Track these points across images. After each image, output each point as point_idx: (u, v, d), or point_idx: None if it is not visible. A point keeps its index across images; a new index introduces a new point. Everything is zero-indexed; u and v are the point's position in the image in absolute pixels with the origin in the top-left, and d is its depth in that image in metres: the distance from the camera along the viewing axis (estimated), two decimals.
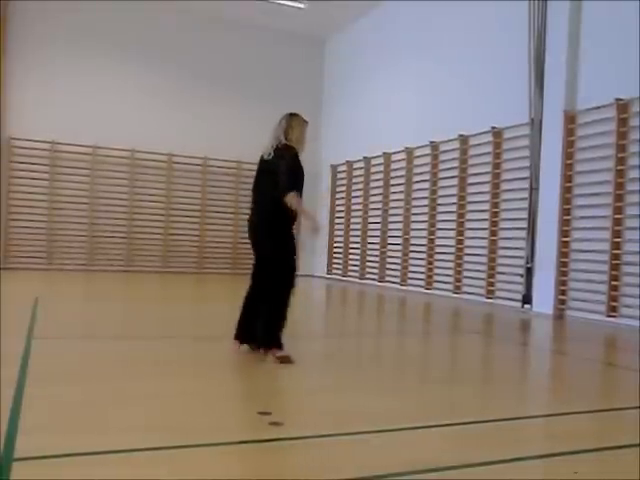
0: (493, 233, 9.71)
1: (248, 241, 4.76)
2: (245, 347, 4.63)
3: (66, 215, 13.17)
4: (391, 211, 12.52)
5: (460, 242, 10.42)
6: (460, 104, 10.58)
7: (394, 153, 12.37)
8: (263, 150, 4.68)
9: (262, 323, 4.49)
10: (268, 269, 4.52)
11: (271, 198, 4.47)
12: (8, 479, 2.10)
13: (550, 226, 8.48)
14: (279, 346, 4.40)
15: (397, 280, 12.06)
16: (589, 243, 8.05)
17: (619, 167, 7.69)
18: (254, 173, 4.76)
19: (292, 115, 4.71)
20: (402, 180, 12.13)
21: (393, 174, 12.54)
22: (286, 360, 4.30)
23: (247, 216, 4.79)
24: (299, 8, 12.99)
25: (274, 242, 4.54)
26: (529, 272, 8.82)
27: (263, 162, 4.67)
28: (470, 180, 10.36)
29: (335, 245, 14.58)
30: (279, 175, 4.41)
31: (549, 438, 3.03)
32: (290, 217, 4.51)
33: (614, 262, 7.65)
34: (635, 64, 7.49)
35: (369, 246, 13.24)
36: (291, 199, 4.36)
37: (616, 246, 7.65)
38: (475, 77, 10.30)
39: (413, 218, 11.78)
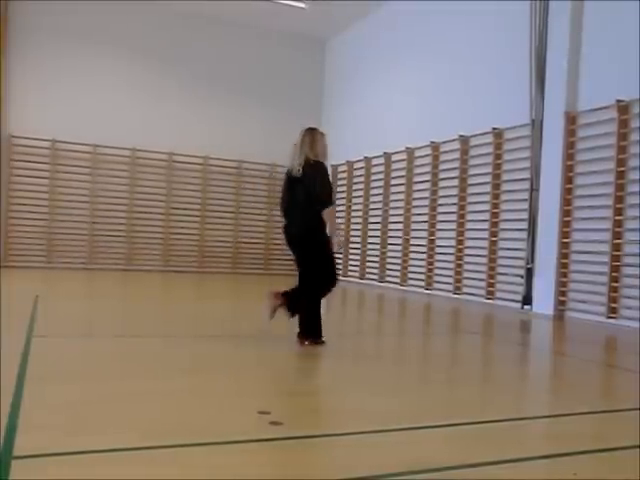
0: (493, 234, 9.71)
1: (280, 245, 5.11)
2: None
3: (66, 214, 13.17)
4: (391, 211, 12.52)
5: (460, 242, 10.42)
6: (461, 104, 10.58)
7: (394, 153, 12.36)
8: (289, 167, 4.98)
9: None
10: (310, 270, 4.97)
11: (309, 211, 4.85)
12: (7, 478, 2.10)
13: (550, 227, 8.48)
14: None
15: (397, 280, 12.06)
16: (589, 244, 8.05)
17: (620, 168, 7.69)
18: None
19: (312, 130, 5.06)
20: (402, 180, 12.13)
21: (393, 174, 12.54)
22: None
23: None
24: (301, 8, 12.99)
25: (315, 248, 4.91)
26: (529, 273, 8.82)
27: (293, 179, 4.94)
28: (470, 181, 10.36)
29: None
30: (314, 190, 4.81)
31: (549, 439, 3.03)
32: (324, 227, 4.92)
33: (614, 263, 7.65)
34: (636, 65, 7.49)
35: (369, 246, 13.24)
36: (329, 213, 4.83)
37: (616, 247, 7.65)
38: (476, 77, 10.30)
39: (413, 218, 11.78)
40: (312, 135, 5.01)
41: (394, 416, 3.15)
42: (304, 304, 4.96)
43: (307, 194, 4.89)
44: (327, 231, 4.96)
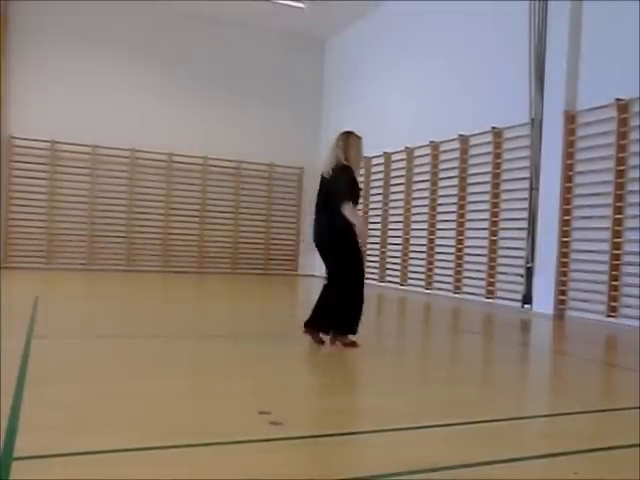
0: (493, 233, 9.71)
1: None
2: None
3: (66, 214, 13.17)
4: (391, 211, 12.52)
5: (460, 242, 10.42)
6: (460, 104, 10.57)
7: (394, 153, 12.36)
8: (323, 170, 5.10)
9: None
10: (337, 270, 5.02)
11: (333, 214, 4.89)
12: (8, 479, 2.10)
13: (550, 226, 8.48)
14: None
15: (397, 280, 12.06)
16: (589, 243, 8.05)
17: (619, 167, 7.69)
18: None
19: (348, 134, 5.18)
20: (402, 180, 12.13)
21: (393, 174, 12.54)
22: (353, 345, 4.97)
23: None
24: (300, 8, 12.98)
25: (341, 248, 4.98)
26: (529, 272, 8.82)
27: (324, 180, 5.06)
28: (470, 180, 10.36)
29: None
30: (335, 191, 4.87)
31: (549, 438, 3.03)
32: (350, 226, 4.96)
33: (614, 262, 7.65)
34: (635, 64, 7.49)
35: (369, 246, 13.23)
36: (347, 209, 4.82)
37: (616, 246, 7.65)
38: (475, 77, 10.30)
39: (413, 218, 11.78)
40: (346, 140, 5.10)
41: (394, 416, 3.15)
42: (333, 308, 4.97)
43: (332, 197, 4.93)
44: (356, 232, 5.05)
